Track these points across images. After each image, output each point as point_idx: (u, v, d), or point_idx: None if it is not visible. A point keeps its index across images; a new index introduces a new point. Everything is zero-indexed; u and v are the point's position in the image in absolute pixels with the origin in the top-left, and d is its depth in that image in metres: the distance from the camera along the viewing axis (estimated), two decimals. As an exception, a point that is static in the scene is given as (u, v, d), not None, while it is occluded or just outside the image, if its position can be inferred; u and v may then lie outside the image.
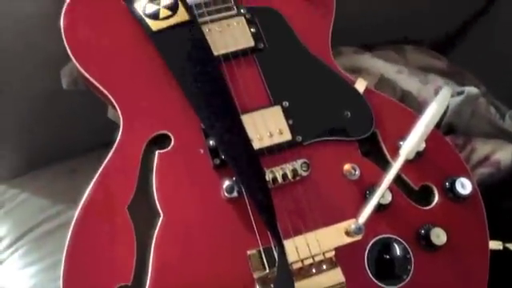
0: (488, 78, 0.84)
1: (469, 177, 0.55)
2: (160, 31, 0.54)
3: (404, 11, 0.79)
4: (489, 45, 0.92)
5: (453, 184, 0.53)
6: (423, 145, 0.53)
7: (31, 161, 0.73)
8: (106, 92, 0.54)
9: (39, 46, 0.62)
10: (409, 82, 0.70)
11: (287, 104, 0.55)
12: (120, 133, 0.53)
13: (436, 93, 0.69)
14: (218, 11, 0.58)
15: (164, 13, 0.55)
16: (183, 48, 0.55)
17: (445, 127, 0.66)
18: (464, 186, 0.53)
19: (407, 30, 0.83)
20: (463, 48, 0.93)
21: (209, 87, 0.54)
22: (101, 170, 0.51)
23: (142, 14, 0.55)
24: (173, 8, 0.55)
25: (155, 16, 0.55)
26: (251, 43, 0.57)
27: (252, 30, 0.58)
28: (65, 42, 0.56)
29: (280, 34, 0.59)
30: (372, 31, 0.79)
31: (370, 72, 0.70)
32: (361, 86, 0.57)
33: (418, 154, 0.54)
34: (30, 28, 0.61)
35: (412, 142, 0.51)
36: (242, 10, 0.59)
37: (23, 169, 0.73)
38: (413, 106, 0.67)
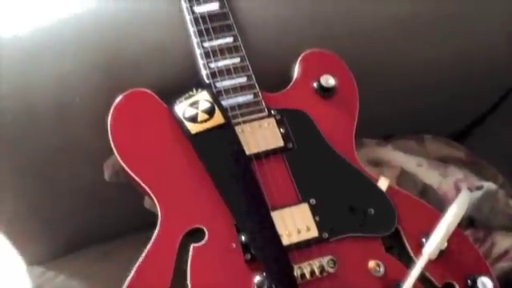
0: (506, 165, 0.87)
1: (490, 275, 0.57)
2: (198, 134, 0.59)
3: (424, 104, 0.83)
4: (507, 132, 0.95)
5: (474, 283, 0.55)
6: (445, 244, 0.56)
7: (68, 244, 0.76)
8: (146, 187, 0.59)
9: (83, 140, 0.67)
10: (429, 175, 0.73)
11: (314, 201, 0.59)
12: (158, 226, 0.57)
13: (456, 186, 0.73)
14: (251, 113, 0.63)
15: (202, 116, 0.60)
16: (219, 149, 0.59)
17: (465, 220, 0.69)
18: (485, 286, 0.55)
19: (426, 120, 0.87)
20: (481, 135, 0.97)
21: (241, 185, 0.58)
22: (139, 261, 0.55)
23: (182, 117, 0.60)
24: (210, 112, 0.60)
25: (194, 119, 0.60)
26: (280, 143, 0.62)
27: (281, 130, 0.63)
28: (110, 138, 0.61)
29: (307, 135, 0.63)
30: (392, 123, 0.84)
31: (392, 165, 0.74)
32: (383, 184, 0.61)
33: (441, 252, 0.56)
34: (75, 122, 0.67)
35: (434, 244, 0.54)
36: (272, 112, 0.64)
37: (61, 251, 0.76)
38: (434, 199, 0.71)
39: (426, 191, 0.72)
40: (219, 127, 0.60)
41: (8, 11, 0.66)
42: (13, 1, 0.67)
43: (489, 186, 0.69)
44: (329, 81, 0.65)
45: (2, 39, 0.63)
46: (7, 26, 0.64)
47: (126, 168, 0.60)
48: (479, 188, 0.69)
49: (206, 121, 0.60)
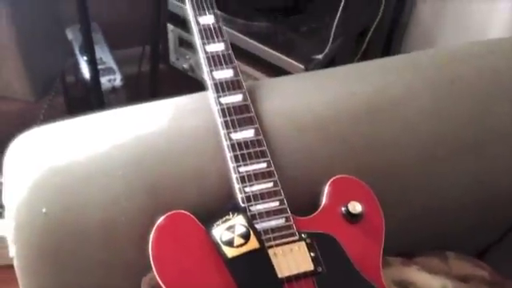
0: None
1: None
2: (234, 258, 0.63)
3: (447, 224, 0.86)
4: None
5: None
6: None
7: None
8: (181, 306, 0.62)
9: (125, 256, 0.72)
10: (454, 298, 0.75)
11: (343, 327, 0.61)
12: None
13: (480, 311, 0.74)
14: (283, 237, 0.67)
15: (238, 241, 0.64)
16: (253, 273, 0.63)
17: None
18: None
19: (449, 237, 0.90)
20: (505, 251, 0.98)
21: (274, 309, 0.61)
22: None
23: (219, 240, 0.65)
24: (245, 236, 0.65)
25: (230, 243, 0.64)
26: (311, 267, 0.65)
27: (311, 254, 0.66)
28: (150, 255, 0.65)
29: (336, 259, 0.67)
30: (415, 240, 0.87)
31: (417, 286, 0.76)
32: (410, 311, 0.63)
33: None
34: (120, 239, 0.71)
35: None
36: (302, 235, 0.68)
37: None
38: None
39: (451, 315, 0.73)
40: (254, 251, 0.64)
41: (66, 140, 0.73)
42: (70, 131, 0.75)
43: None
44: (356, 207, 0.69)
45: (59, 165, 0.70)
46: (65, 154, 0.71)
47: (163, 286, 0.64)
48: (504, 313, 0.71)
49: (241, 245, 0.64)
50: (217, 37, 0.81)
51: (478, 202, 0.84)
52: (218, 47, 0.80)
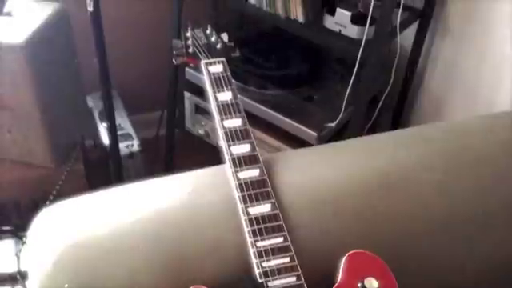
0: None
1: None
2: None
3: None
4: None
5: None
6: None
7: None
8: None
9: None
10: None
11: None
12: None
13: None
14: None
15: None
16: None
17: None
18: None
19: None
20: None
21: None
22: None
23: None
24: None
25: None
26: None
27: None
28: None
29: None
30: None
31: None
32: None
33: None
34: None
35: None
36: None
37: None
38: None
39: None
40: None
41: (88, 214, 0.76)
42: (92, 205, 0.78)
43: None
44: (373, 284, 0.70)
45: (82, 240, 0.72)
46: (87, 228, 0.74)
47: None
48: None
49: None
50: (234, 113, 0.85)
51: (491, 275, 0.84)
52: (235, 123, 0.84)
